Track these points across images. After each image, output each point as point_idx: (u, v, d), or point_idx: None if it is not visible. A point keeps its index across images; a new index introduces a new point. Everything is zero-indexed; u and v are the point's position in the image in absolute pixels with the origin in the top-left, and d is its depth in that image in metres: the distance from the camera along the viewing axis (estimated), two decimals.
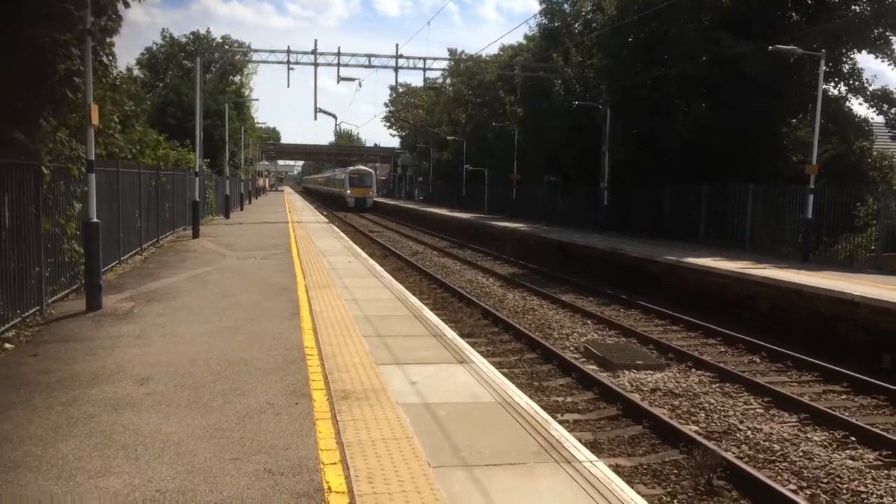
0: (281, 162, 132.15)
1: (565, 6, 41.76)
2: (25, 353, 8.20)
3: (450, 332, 9.59)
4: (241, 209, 47.11)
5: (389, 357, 8.02)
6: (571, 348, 13.64)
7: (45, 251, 10.37)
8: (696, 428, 9.28)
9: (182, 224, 26.55)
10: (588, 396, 10.61)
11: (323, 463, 5.01)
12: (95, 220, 10.75)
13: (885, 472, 7.90)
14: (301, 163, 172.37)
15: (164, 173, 23.04)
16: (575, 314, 16.94)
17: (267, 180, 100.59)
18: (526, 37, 50.32)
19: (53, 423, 5.85)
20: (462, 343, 9.00)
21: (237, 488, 4.64)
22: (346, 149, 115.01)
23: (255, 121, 68.83)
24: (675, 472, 7.85)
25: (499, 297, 19.47)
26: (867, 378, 11.26)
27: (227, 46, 57.84)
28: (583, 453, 5.25)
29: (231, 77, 59.18)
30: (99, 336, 9.05)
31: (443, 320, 11.43)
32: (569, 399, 10.44)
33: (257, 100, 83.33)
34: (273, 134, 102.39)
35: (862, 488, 7.47)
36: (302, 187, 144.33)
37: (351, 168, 72.68)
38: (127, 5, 12.28)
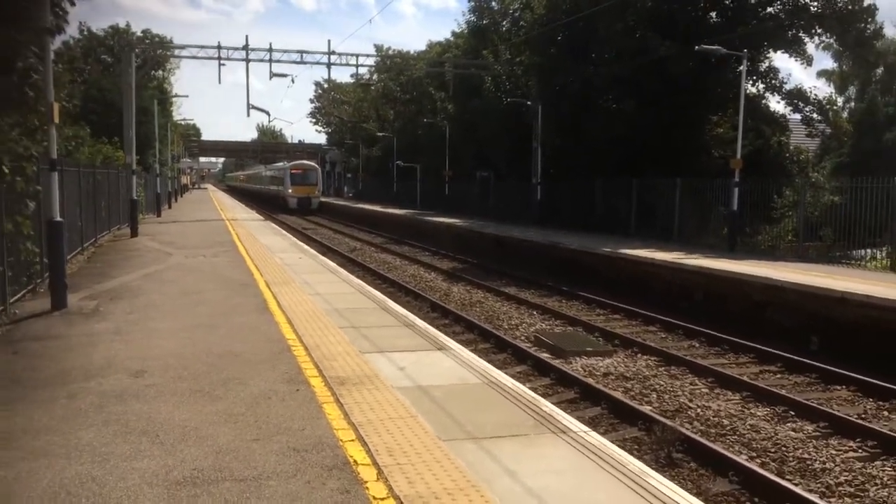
0: (203, 159, 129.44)
1: (493, 4, 42.59)
2: (5, 352, 8.24)
3: (420, 322, 10.04)
4: (170, 207, 46.26)
5: (371, 346, 8.42)
6: (522, 337, 14.24)
7: (5, 251, 10.33)
8: (650, 408, 9.98)
9: (117, 223, 26.09)
10: (546, 382, 11.20)
11: (341, 440, 5.40)
12: (59, 218, 10.74)
13: (825, 441, 8.72)
14: (222, 160, 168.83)
15: (100, 171, 22.66)
16: (521, 305, 17.57)
17: (189, 178, 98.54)
18: (454, 34, 51.04)
19: (63, 415, 6.05)
20: (436, 332, 9.48)
21: (269, 464, 4.99)
22: (272, 145, 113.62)
23: (178, 117, 67.29)
24: (637, 447, 8.48)
25: (444, 290, 19.97)
26: (799, 358, 12.22)
27: (147, 41, 56.45)
28: (576, 425, 5.81)
29: (153, 72, 57.77)
30: (74, 333, 9.13)
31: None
32: (528, 385, 11.01)
33: (186, 96, 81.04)
34: (194, 130, 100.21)
35: (806, 456, 8.25)
36: (226, 185, 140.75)
37: (293, 163, 65.65)
38: (73, 4, 12.29)
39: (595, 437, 5.53)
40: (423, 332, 9.37)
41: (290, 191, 58.67)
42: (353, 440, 5.41)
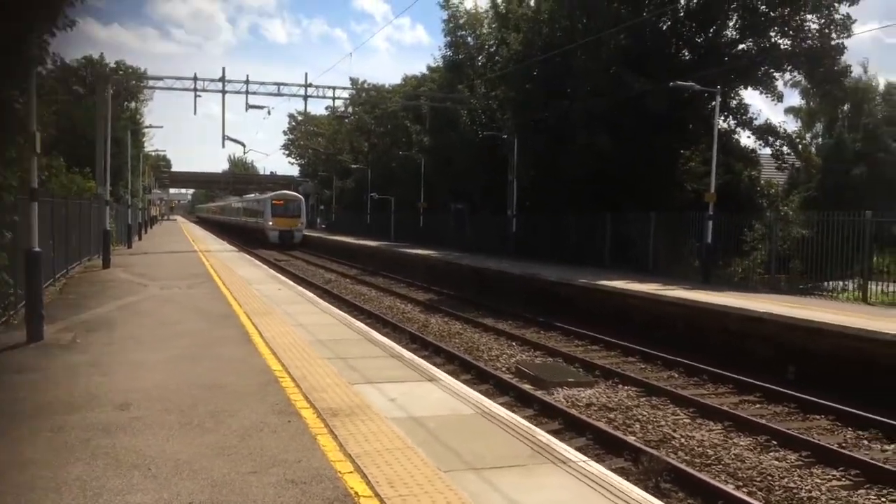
0: (172, 190, 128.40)
1: (469, 39, 43.13)
2: None
3: (408, 353, 9.99)
4: (140, 239, 45.73)
5: (359, 377, 8.35)
6: (503, 368, 14.23)
7: None
8: (635, 438, 9.99)
9: (87, 254, 25.71)
10: (529, 413, 11.17)
11: (339, 472, 5.34)
12: (37, 248, 10.57)
13: (808, 470, 8.79)
14: (191, 191, 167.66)
15: (72, 202, 22.38)
16: (500, 337, 17.58)
17: (159, 209, 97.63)
18: (430, 68, 51.45)
19: (50, 448, 5.90)
20: (424, 363, 9.44)
21: (268, 497, 4.91)
22: (243, 177, 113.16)
23: (150, 148, 66.68)
24: (624, 478, 8.47)
25: (422, 321, 19.92)
26: (777, 388, 12.35)
27: (121, 72, 56.23)
28: (574, 455, 5.80)
29: (126, 103, 57.47)
30: (53, 366, 8.95)
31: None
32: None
33: (161, 127, 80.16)
34: (165, 161, 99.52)
35: (791, 485, 8.31)
36: (196, 217, 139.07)
37: (274, 193, 61.05)
38: (53, 35, 12.27)
39: (595, 467, 5.53)
40: (411, 363, 9.33)
41: (270, 223, 53.97)
42: (351, 472, 5.34)
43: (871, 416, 10.68)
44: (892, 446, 9.83)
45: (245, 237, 61.09)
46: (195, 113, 47.63)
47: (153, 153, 73.29)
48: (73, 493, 4.97)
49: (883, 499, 7.91)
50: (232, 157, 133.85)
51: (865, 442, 10.11)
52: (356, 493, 4.96)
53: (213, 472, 5.36)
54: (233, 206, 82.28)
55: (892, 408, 10.94)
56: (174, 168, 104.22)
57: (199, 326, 11.91)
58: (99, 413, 6.91)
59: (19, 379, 8.32)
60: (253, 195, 71.91)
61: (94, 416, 6.83)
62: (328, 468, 5.43)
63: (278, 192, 61.53)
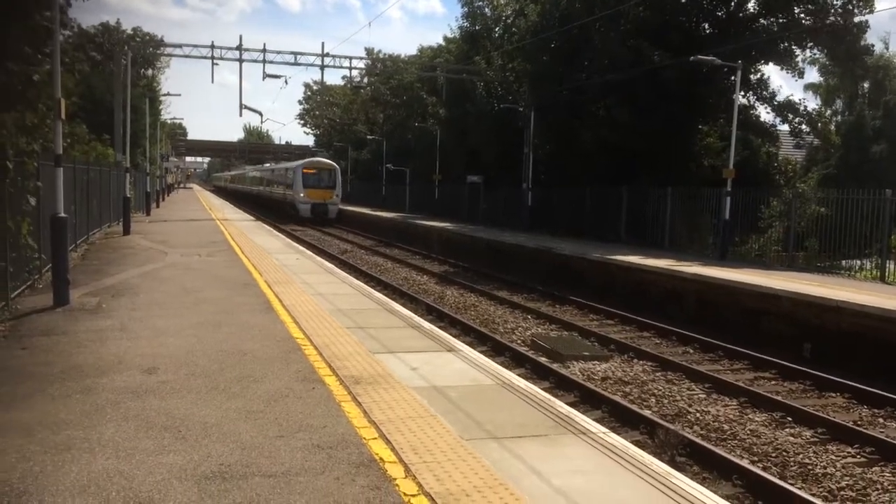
0: (188, 158, 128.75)
1: (486, 10, 42.78)
2: (13, 347, 8.22)
3: (427, 324, 10.11)
4: (157, 206, 46.02)
5: (380, 346, 8.47)
6: (519, 341, 14.33)
7: (8, 247, 10.30)
8: (651, 412, 10.09)
9: (107, 221, 25.97)
10: (545, 385, 11.26)
11: (364, 438, 5.46)
12: (63, 214, 10.72)
13: (824, 446, 8.87)
14: (207, 160, 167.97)
15: (93, 168, 22.56)
16: (515, 309, 17.67)
17: (175, 177, 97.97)
18: (446, 39, 51.14)
19: (82, 410, 6.05)
20: (443, 333, 9.55)
21: (296, 460, 5.04)
22: (259, 146, 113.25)
23: (166, 116, 66.82)
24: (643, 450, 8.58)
25: (438, 293, 20.04)
26: (793, 365, 12.39)
27: (138, 39, 56.20)
28: (595, 426, 5.90)
29: (143, 70, 57.52)
30: (81, 330, 9.11)
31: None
32: None
33: (179, 95, 79.93)
34: (181, 130, 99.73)
35: (807, 461, 8.39)
36: (213, 186, 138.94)
37: (305, 160, 54.24)
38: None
39: (616, 439, 5.62)
40: (430, 334, 9.44)
41: (301, 195, 47.36)
42: (375, 438, 5.46)
43: (886, 394, 10.73)
44: None
45: (270, 209, 56.10)
46: (212, 81, 47.73)
47: (170, 121, 73.48)
48: (106, 454, 5.11)
49: None
50: (248, 126, 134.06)
51: (881, 420, 10.16)
52: (381, 458, 5.08)
53: (241, 436, 5.50)
54: (256, 175, 74.97)
55: None
56: (190, 136, 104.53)
57: (221, 294, 12.06)
58: (127, 377, 7.06)
59: (47, 342, 8.49)
60: (280, 164, 64.44)
61: (123, 379, 6.98)
62: (353, 434, 5.55)
63: (310, 160, 54.95)
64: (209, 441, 5.38)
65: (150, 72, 60.47)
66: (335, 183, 49.01)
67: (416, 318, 10.60)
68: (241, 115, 64.54)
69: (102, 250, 19.00)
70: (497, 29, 41.10)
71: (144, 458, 5.05)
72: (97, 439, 5.39)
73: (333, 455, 5.14)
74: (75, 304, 10.73)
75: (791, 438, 9.13)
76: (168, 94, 51.73)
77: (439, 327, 14.95)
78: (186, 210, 43.34)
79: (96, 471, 4.82)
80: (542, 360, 12.57)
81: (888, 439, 8.95)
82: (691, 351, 14.05)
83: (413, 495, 4.51)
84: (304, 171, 48.52)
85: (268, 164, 75.25)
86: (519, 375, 11.62)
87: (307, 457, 5.11)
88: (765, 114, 29.67)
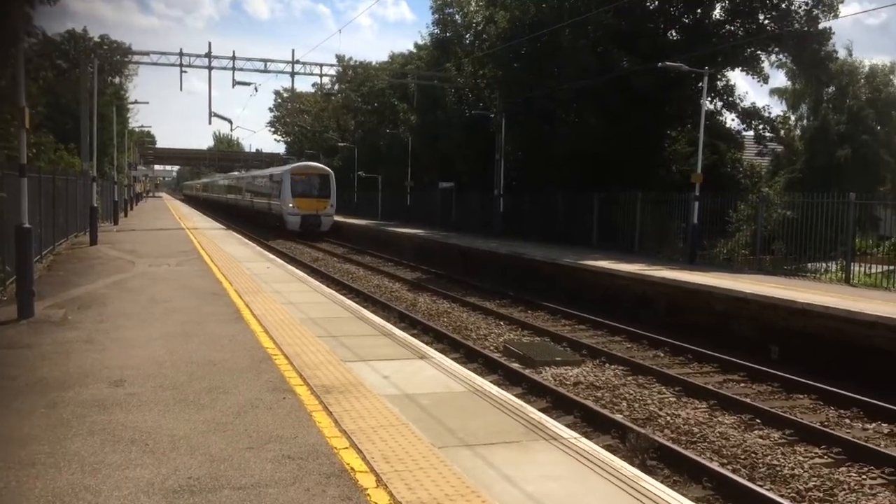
0: (157, 167, 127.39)
1: (457, 17, 42.91)
2: None
3: (399, 332, 10.08)
4: (125, 216, 45.42)
5: (352, 355, 8.43)
6: (491, 347, 14.36)
7: None
8: (622, 416, 10.15)
9: (74, 231, 25.60)
10: (518, 391, 11.29)
11: (335, 448, 5.42)
12: (28, 224, 10.55)
13: (791, 447, 8.98)
14: (176, 168, 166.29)
15: (59, 178, 22.23)
16: (487, 316, 17.70)
17: (144, 186, 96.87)
18: (417, 46, 51.15)
19: (47, 424, 5.94)
20: (415, 341, 9.54)
21: (266, 472, 4.99)
22: (229, 154, 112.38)
23: (134, 124, 66.09)
24: (614, 454, 8.63)
25: (410, 300, 20.01)
26: (761, 367, 12.55)
27: (105, 46, 55.57)
28: (567, 432, 5.93)
29: (110, 78, 56.88)
30: (46, 342, 8.96)
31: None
32: None
33: (147, 103, 78.90)
34: (150, 138, 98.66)
35: (775, 462, 8.49)
36: (183, 194, 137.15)
37: (294, 165, 47.45)
38: (33, 7, 12.28)
39: (587, 444, 5.65)
40: (402, 341, 9.42)
41: (290, 205, 41.20)
42: (347, 448, 5.43)
43: (852, 395, 10.89)
44: (873, 425, 10.04)
45: (251, 222, 50.62)
46: (181, 89, 47.24)
47: (138, 129, 72.68)
48: (72, 468, 5.03)
49: (864, 476, 8.09)
50: (217, 133, 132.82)
51: (847, 420, 10.32)
52: (352, 468, 5.05)
53: (210, 448, 5.43)
54: (233, 182, 67.99)
55: (872, 387, 11.17)
56: (159, 144, 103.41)
57: (190, 304, 11.93)
58: (94, 389, 6.96)
59: (12, 355, 8.33)
60: (264, 170, 57.95)
61: (89, 392, 6.87)
62: (324, 444, 5.51)
63: (300, 164, 48.12)
64: (177, 454, 5.31)
65: (117, 79, 59.84)
66: (329, 191, 42.46)
67: (389, 326, 10.57)
68: (210, 122, 63.53)
69: (69, 261, 18.72)
70: (468, 36, 41.19)
71: (111, 472, 4.98)
72: (62, 454, 5.30)
73: (304, 466, 5.11)
74: (40, 317, 10.55)
75: (760, 440, 9.24)
76: (136, 102, 51.08)
77: (412, 335, 14.93)
78: (155, 219, 42.82)
79: (61, 486, 4.74)
80: (515, 365, 12.61)
81: (854, 440, 9.11)
82: (662, 354, 14.17)
83: None
84: (293, 177, 42.16)
85: (249, 171, 69.87)
86: (491, 382, 11.63)
87: (277, 468, 5.07)
88: (730, 120, 30.04)
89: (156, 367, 7.78)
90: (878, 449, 8.82)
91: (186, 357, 8.24)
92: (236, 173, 72.52)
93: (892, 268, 18.53)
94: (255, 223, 48.62)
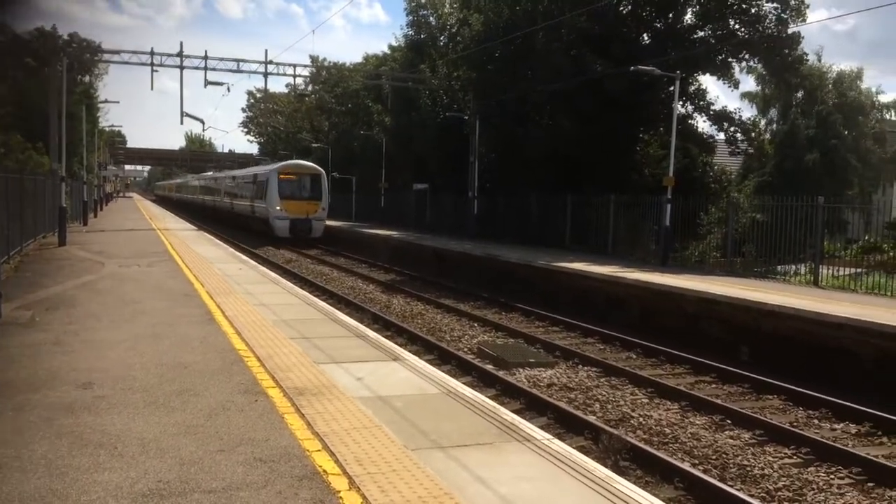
0: (128, 167, 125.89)
1: (431, 19, 42.94)
2: None
3: (372, 333, 10.05)
4: (95, 216, 44.84)
5: (325, 357, 8.38)
6: (465, 349, 14.36)
7: None
8: (595, 417, 10.20)
9: (42, 231, 25.20)
10: (491, 393, 11.30)
11: (308, 451, 5.38)
12: None
13: (761, 448, 9.08)
14: (147, 168, 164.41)
15: (27, 178, 21.88)
16: (461, 317, 17.70)
17: (114, 186, 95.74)
18: (391, 47, 51.12)
19: (13, 428, 5.84)
20: (388, 342, 9.51)
21: (237, 475, 4.94)
22: (202, 154, 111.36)
23: (105, 123, 65.18)
24: (587, 456, 8.67)
25: (384, 302, 19.96)
26: (731, 368, 12.69)
27: (75, 45, 54.81)
28: (540, 433, 5.94)
29: (80, 77, 56.09)
30: (13, 344, 8.80)
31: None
32: None
33: (117, 102, 77.82)
34: (120, 137, 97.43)
35: (745, 462, 8.57)
36: (155, 195, 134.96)
37: (282, 164, 42.07)
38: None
39: (560, 445, 5.66)
40: (376, 343, 9.39)
41: (277, 208, 37.11)
42: (319, 450, 5.40)
43: (821, 396, 11.04)
44: (841, 425, 10.19)
45: (231, 226, 46.91)
46: (152, 88, 46.66)
47: (108, 129, 71.71)
48: (38, 473, 4.94)
49: (832, 475, 8.20)
50: (189, 134, 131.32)
51: (816, 421, 10.45)
52: (324, 470, 5.02)
53: (180, 451, 5.37)
54: (211, 183, 62.50)
55: (841, 388, 11.34)
56: (130, 144, 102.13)
57: (161, 305, 11.80)
58: (61, 392, 6.84)
59: None
60: (248, 169, 52.68)
61: (57, 395, 6.76)
62: (296, 447, 5.47)
63: (288, 163, 42.76)
64: (146, 457, 5.24)
65: (87, 78, 59.00)
66: (321, 192, 38.29)
67: (362, 328, 10.54)
68: (182, 122, 61.94)
69: (37, 262, 18.43)
70: (442, 38, 41.23)
71: (79, 476, 4.90)
72: (29, 457, 5.20)
73: (276, 468, 5.06)
74: (7, 318, 10.37)
75: (730, 441, 9.32)
76: (106, 101, 50.41)
77: (386, 336, 14.85)
78: (125, 220, 42.31)
79: (28, 491, 4.65)
80: (489, 367, 12.61)
81: (823, 440, 9.23)
82: (634, 356, 14.26)
83: None
84: (281, 177, 37.89)
85: (229, 171, 64.44)
86: (465, 384, 11.64)
87: (249, 471, 5.02)
88: (701, 123, 30.39)
89: (125, 369, 7.68)
90: (847, 449, 8.96)
91: (157, 359, 8.14)
92: (214, 173, 66.85)
93: (859, 270, 18.85)
94: (236, 227, 45.21)
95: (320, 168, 40.32)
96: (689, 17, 28.78)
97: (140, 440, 5.59)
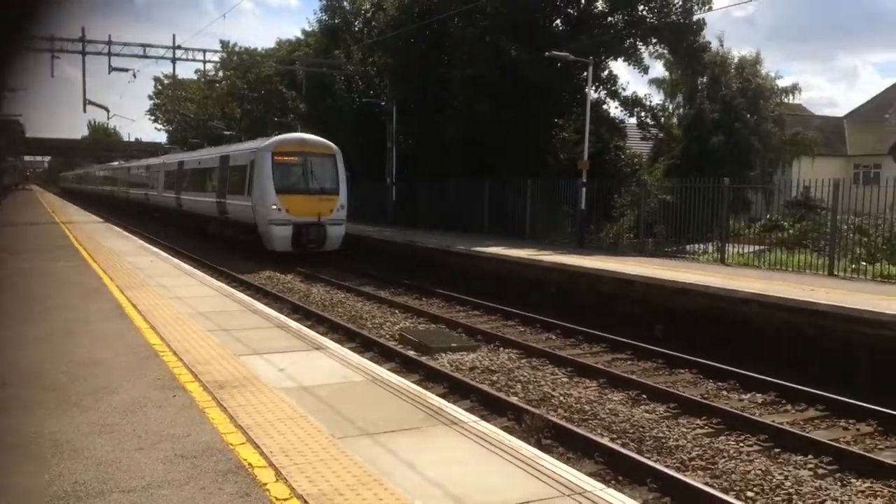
0: (27, 158, 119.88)
1: (345, 3, 42.39)
2: None
3: (293, 323, 9.93)
4: None
5: (245, 349, 8.24)
6: (387, 336, 14.37)
7: None
8: (517, 398, 10.37)
9: None
10: (416, 378, 11.33)
11: (231, 444, 5.29)
12: None
13: (675, 420, 9.44)
14: (48, 158, 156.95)
15: None
16: (382, 305, 17.69)
17: (13, 178, 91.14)
18: (305, 32, 50.21)
19: None
20: (310, 332, 9.42)
21: (158, 473, 4.81)
22: (107, 143, 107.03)
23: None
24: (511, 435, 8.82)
25: (303, 291, 19.74)
26: (646, 346, 13.11)
27: None
28: (465, 416, 6.00)
29: None
30: None
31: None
32: None
33: (15, 90, 73.67)
34: (15, 127, 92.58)
35: (660, 434, 8.88)
36: (59, 188, 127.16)
37: (275, 139, 26.37)
38: None
39: (486, 426, 5.74)
40: (297, 333, 9.29)
41: (273, 206, 24.37)
42: (243, 443, 5.31)
43: (729, 368, 11.54)
44: (748, 395, 10.67)
45: (180, 229, 36.15)
46: (52, 75, 44.36)
47: (3, 118, 67.95)
48: None
49: (741, 443, 8.60)
50: (93, 122, 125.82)
51: (725, 392, 10.91)
52: (250, 463, 4.94)
53: (96, 451, 5.19)
54: (154, 171, 44.95)
55: (747, 360, 11.86)
56: (28, 134, 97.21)
57: (70, 301, 11.34)
58: None
59: None
60: (215, 148, 36.05)
61: None
62: (219, 441, 5.37)
63: (288, 137, 27.56)
64: (60, 459, 5.04)
65: None
66: (337, 182, 26.04)
67: (282, 318, 10.41)
68: (85, 111, 58.88)
69: None
70: (357, 23, 40.78)
71: None
72: None
73: (198, 464, 4.95)
74: None
75: (646, 415, 9.65)
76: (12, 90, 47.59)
77: (306, 326, 14.68)
78: (25, 213, 40.39)
79: None
80: (411, 353, 12.66)
81: (732, 410, 9.67)
82: (554, 337, 14.56)
83: (285, 499, 4.41)
84: (277, 158, 24.98)
85: (175, 155, 46.59)
86: (389, 370, 11.56)
87: (169, 468, 4.90)
88: (614, 108, 31.17)
89: (36, 367, 7.36)
90: (754, 418, 9.40)
91: (69, 357, 7.82)
92: (166, 156, 47.78)
93: (762, 247, 19.73)
94: (188, 232, 34.45)
95: (334, 146, 27.11)
96: (600, 4, 29.39)
97: (53, 441, 5.37)
